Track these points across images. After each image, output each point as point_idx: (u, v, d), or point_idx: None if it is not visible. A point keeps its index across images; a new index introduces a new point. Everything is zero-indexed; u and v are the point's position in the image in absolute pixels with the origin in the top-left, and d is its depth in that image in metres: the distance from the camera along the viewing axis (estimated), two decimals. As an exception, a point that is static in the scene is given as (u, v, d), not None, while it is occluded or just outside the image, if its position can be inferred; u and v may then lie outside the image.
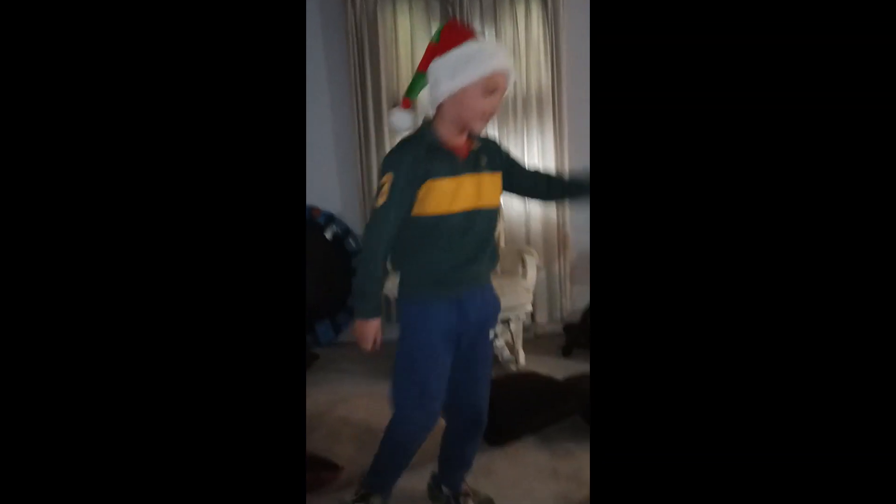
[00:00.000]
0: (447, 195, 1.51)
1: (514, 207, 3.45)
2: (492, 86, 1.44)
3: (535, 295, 3.44)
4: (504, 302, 2.80)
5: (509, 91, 1.59)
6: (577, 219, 3.52)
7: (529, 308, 2.93)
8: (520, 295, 2.85)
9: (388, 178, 1.48)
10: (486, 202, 1.58)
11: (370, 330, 1.54)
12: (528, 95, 3.39)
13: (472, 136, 1.56)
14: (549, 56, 3.38)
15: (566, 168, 3.45)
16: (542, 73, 3.39)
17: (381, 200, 1.48)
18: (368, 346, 1.55)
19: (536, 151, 3.44)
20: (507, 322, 3.00)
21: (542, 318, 3.51)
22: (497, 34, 3.33)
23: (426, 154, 1.49)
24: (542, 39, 3.37)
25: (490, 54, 1.44)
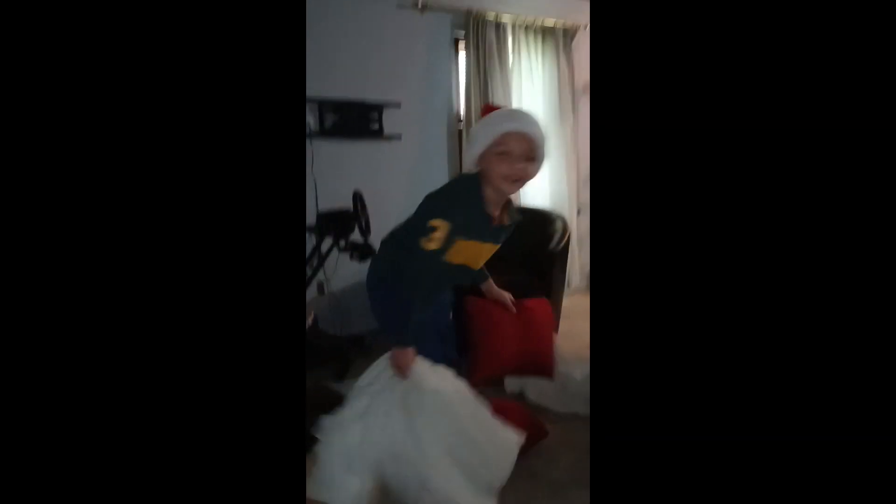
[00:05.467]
0: (473, 254, 1.66)
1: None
2: (501, 148, 1.51)
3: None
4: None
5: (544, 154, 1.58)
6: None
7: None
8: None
9: (443, 227, 1.50)
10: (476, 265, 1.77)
11: (409, 357, 1.54)
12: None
13: (509, 210, 1.69)
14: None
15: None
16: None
17: (433, 246, 1.50)
18: (406, 374, 1.54)
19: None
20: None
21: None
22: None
23: (471, 211, 1.57)
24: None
25: (500, 119, 1.53)
